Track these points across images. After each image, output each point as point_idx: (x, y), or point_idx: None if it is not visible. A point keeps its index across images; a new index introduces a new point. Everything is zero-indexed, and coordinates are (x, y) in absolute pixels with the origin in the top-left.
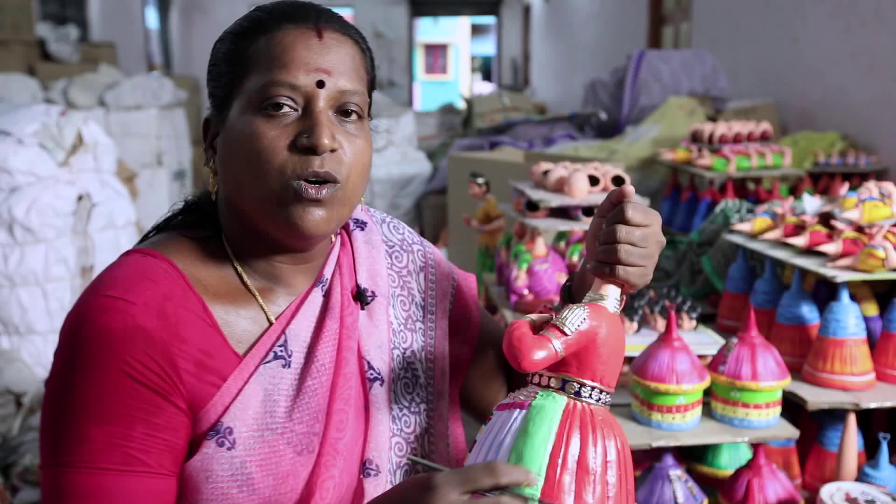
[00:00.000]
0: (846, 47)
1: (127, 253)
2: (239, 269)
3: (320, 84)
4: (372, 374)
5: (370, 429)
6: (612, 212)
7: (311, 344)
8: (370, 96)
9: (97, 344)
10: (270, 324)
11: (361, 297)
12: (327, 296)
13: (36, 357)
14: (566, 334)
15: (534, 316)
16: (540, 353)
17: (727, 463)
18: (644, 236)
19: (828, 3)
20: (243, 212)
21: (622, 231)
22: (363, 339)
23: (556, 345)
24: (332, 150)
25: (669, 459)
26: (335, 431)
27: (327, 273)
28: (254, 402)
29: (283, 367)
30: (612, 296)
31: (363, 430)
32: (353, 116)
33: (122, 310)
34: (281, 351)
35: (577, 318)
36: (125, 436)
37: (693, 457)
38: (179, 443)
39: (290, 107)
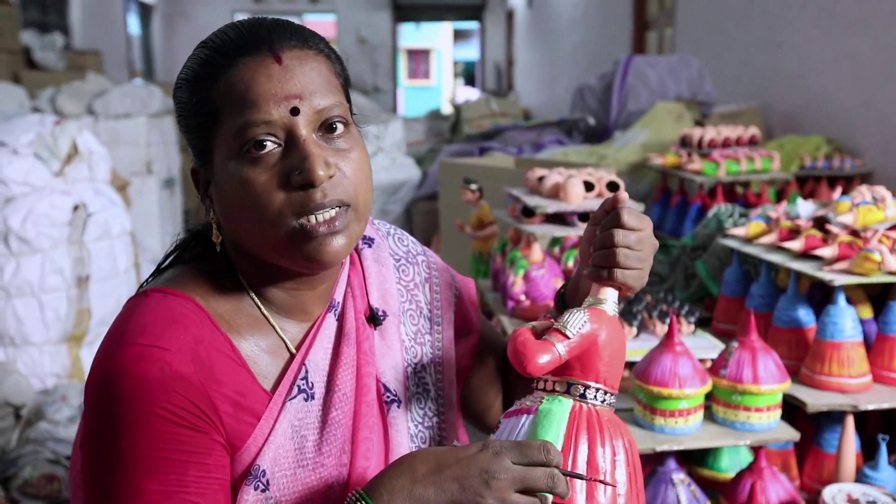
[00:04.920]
0: (829, 52)
1: (145, 293)
2: (256, 300)
3: (295, 111)
4: (389, 397)
5: (390, 450)
6: (606, 217)
7: (331, 372)
8: (348, 98)
9: (136, 395)
10: (291, 354)
11: (374, 318)
12: (341, 320)
13: (31, 368)
14: (568, 337)
15: (535, 323)
16: (544, 357)
17: (727, 466)
18: (639, 240)
19: (811, 9)
20: (258, 255)
21: (619, 235)
22: (378, 362)
23: (559, 348)
24: (330, 177)
25: (672, 463)
26: (363, 461)
27: (338, 296)
28: (284, 441)
29: (306, 399)
30: (610, 299)
31: (384, 453)
32: (340, 128)
33: (157, 357)
34: (303, 384)
35: (578, 321)
36: (180, 482)
37: (693, 460)
38: (229, 479)
39: (273, 142)
